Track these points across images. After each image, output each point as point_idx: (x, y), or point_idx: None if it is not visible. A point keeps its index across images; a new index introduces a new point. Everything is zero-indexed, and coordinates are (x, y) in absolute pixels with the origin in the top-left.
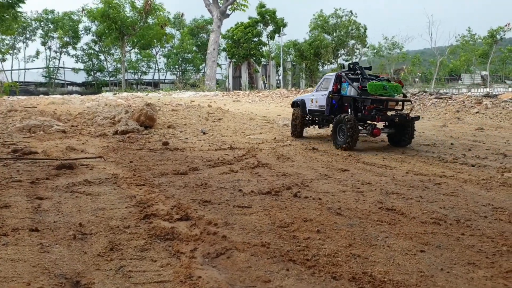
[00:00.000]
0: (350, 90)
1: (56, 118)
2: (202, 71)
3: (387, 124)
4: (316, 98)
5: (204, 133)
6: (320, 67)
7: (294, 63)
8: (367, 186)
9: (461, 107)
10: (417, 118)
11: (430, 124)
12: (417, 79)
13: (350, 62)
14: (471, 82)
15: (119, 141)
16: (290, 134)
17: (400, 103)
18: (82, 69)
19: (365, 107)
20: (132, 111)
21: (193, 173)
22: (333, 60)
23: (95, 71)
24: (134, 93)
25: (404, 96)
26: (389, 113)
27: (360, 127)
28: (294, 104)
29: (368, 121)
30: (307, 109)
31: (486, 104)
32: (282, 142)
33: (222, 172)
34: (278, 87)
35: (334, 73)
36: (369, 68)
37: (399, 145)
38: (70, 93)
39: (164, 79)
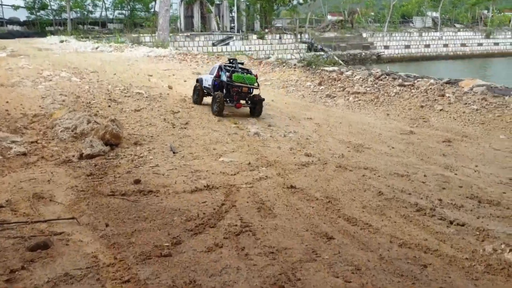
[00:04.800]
0: (224, 77)
1: (12, 129)
2: (152, 10)
3: (247, 101)
4: (207, 79)
5: (174, 152)
6: (275, 7)
7: (248, 3)
8: None
9: (425, 100)
10: (263, 99)
11: (398, 127)
12: (370, 22)
13: (230, 58)
14: (422, 26)
15: (87, 176)
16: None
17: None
18: (22, 7)
19: (231, 89)
20: (95, 123)
21: (177, 252)
22: (288, 2)
23: (37, 9)
24: (85, 47)
25: (258, 85)
26: (249, 94)
27: (228, 102)
28: (197, 81)
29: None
30: (203, 85)
31: (449, 97)
32: (258, 169)
33: (206, 248)
34: (232, 29)
35: (219, 64)
36: (242, 63)
37: (253, 115)
38: (11, 33)
39: (113, 19)
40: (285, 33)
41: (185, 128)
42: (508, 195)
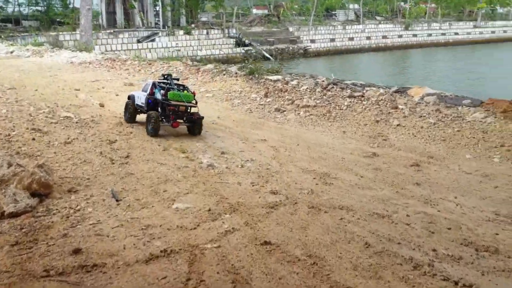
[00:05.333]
0: (158, 95)
1: None
2: (71, 5)
3: (185, 120)
4: (140, 96)
5: (117, 200)
6: (201, 1)
7: None
8: None
9: (379, 114)
10: (202, 117)
11: (358, 148)
12: (296, 15)
13: (165, 73)
14: (346, 19)
15: (11, 246)
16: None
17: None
18: None
19: (167, 108)
20: (18, 166)
21: None
22: None
23: None
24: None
25: (196, 102)
26: (187, 113)
27: (165, 121)
28: (129, 98)
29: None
30: (135, 103)
31: (403, 110)
32: (221, 218)
33: None
34: (157, 25)
35: (152, 81)
36: (177, 79)
37: (192, 134)
38: None
39: (27, 15)
40: (212, 28)
41: (126, 163)
42: (501, 237)
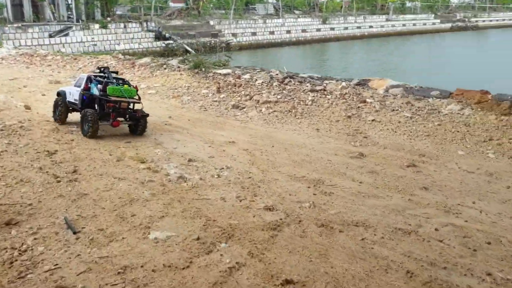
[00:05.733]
0: (95, 90)
1: None
2: None
3: (127, 118)
4: (72, 92)
5: (74, 232)
6: None
7: None
8: None
9: (348, 109)
10: (147, 115)
11: (341, 148)
12: (216, 9)
13: (101, 66)
14: (265, 13)
15: None
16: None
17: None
18: None
19: (106, 105)
20: None
21: None
22: None
23: None
24: None
25: (139, 98)
26: (130, 110)
27: (104, 120)
28: (58, 94)
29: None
30: (67, 99)
31: (372, 104)
32: (216, 249)
33: None
34: (70, 18)
35: (86, 74)
36: (116, 72)
37: (135, 134)
38: None
39: None
40: (130, 21)
41: (75, 180)
42: None
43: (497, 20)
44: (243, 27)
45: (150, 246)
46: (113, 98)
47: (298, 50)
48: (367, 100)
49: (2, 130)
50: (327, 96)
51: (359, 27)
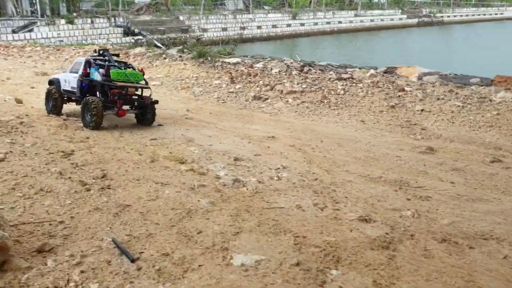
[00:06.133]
0: (97, 75)
1: None
2: None
3: (134, 106)
4: (68, 79)
5: (132, 260)
6: None
7: None
8: None
9: (388, 98)
10: (156, 102)
11: (403, 142)
12: (185, 5)
13: (100, 48)
14: (235, 8)
15: None
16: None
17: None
18: None
19: (110, 92)
20: None
21: None
22: None
23: None
24: None
25: (146, 83)
26: (134, 97)
27: (108, 109)
28: (50, 83)
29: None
30: (61, 88)
31: (413, 93)
32: (327, 277)
33: None
34: (34, 13)
35: (84, 58)
36: (117, 55)
37: (143, 124)
38: None
39: None
40: (97, 16)
41: (108, 187)
42: None
43: (461, 16)
44: (213, 22)
45: (240, 276)
46: (118, 84)
47: (269, 46)
48: (405, 88)
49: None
50: (358, 84)
51: (328, 23)
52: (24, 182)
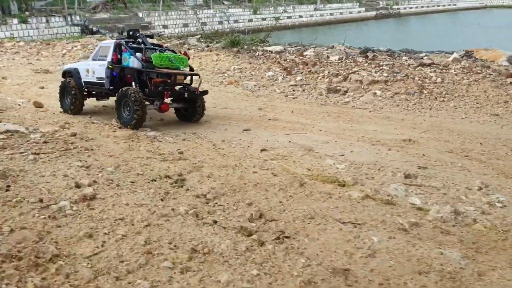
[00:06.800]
0: (133, 61)
1: None
2: None
3: (182, 99)
4: (93, 68)
5: None
6: None
7: None
8: None
9: (499, 86)
10: (206, 92)
11: None
12: (143, 2)
13: (130, 29)
14: (195, 3)
15: None
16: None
17: (189, 76)
18: None
19: (151, 81)
20: None
21: None
22: None
23: None
24: None
25: (191, 68)
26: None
27: (147, 102)
28: (65, 74)
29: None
30: (82, 80)
31: None
32: None
33: None
34: None
35: (112, 41)
36: (151, 36)
37: (190, 120)
38: None
39: None
40: (52, 15)
41: (286, 237)
42: None
43: (416, 7)
44: (174, 19)
45: None
46: (164, 71)
47: None
48: None
49: (47, 142)
50: (450, 71)
51: (289, 17)
52: (154, 237)
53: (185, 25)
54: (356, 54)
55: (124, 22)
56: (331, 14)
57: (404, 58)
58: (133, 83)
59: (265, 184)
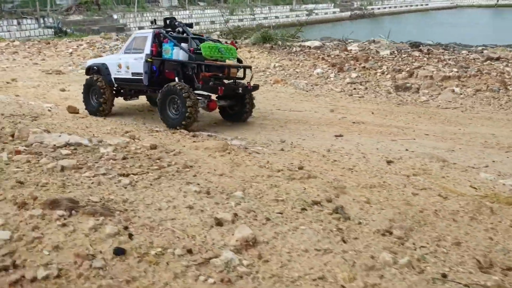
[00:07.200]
0: (177, 53)
1: None
2: None
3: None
4: (126, 62)
5: None
6: None
7: None
8: None
9: None
10: (257, 87)
11: None
12: (118, 4)
13: (166, 17)
14: (169, 4)
15: None
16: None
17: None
18: None
19: (198, 75)
20: None
21: None
22: None
23: None
24: None
25: (239, 61)
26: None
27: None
28: (89, 70)
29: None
30: (112, 77)
31: None
32: None
33: None
34: None
35: (150, 31)
36: (190, 25)
37: (238, 120)
38: None
39: None
40: (24, 17)
41: None
42: None
43: (390, 7)
44: (149, 20)
45: None
46: (218, 63)
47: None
48: None
49: (126, 158)
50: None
51: (266, 18)
52: None
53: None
54: (407, 48)
55: (99, 24)
56: (307, 14)
57: (463, 52)
58: (176, 79)
59: (445, 211)
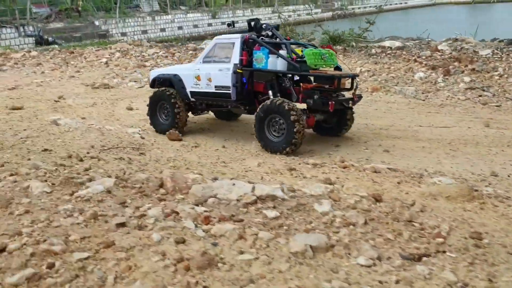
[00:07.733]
0: (274, 62)
1: None
2: None
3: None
4: (207, 74)
5: None
6: None
7: None
8: None
9: None
10: (361, 97)
11: None
12: (98, 10)
13: (251, 19)
14: (151, 10)
15: None
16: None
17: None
18: None
19: (298, 87)
20: None
21: None
22: None
23: None
24: None
25: (338, 68)
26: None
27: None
28: (155, 83)
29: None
30: (187, 90)
31: None
32: None
33: None
34: None
35: (237, 36)
36: (277, 28)
37: (335, 134)
38: None
39: None
40: (3, 26)
41: None
42: None
43: (370, 7)
44: (132, 26)
45: None
46: (328, 72)
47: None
48: None
49: (367, 223)
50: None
51: None
52: None
53: (144, 32)
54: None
55: (81, 31)
56: (289, 16)
57: None
58: (270, 92)
59: None
